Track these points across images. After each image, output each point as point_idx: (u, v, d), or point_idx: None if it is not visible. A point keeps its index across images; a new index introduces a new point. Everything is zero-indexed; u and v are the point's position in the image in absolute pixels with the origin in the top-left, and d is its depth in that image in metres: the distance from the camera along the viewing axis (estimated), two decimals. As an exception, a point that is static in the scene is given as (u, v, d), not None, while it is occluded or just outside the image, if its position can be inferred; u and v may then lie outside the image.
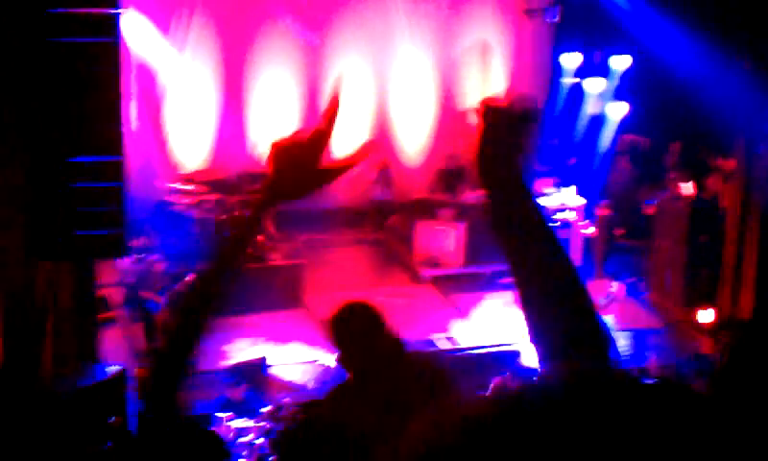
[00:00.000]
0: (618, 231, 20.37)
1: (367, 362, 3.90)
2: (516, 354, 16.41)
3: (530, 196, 2.57)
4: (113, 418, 12.93)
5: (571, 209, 20.72)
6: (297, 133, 3.05)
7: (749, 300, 17.70)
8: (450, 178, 21.83)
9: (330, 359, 16.60)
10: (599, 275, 18.86)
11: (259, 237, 19.26)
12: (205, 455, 4.08)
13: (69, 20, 10.29)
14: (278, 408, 14.48)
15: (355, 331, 3.98)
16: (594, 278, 18.73)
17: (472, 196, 21.26)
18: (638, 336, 18.07)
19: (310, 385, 16.16)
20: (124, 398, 14.09)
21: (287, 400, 15.18)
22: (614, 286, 17.17)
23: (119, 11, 10.33)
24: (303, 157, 3.07)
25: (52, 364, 13.35)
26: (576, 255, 20.62)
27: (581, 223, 20.66)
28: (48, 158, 10.44)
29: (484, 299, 19.42)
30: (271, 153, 3.02)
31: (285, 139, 3.03)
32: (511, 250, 2.50)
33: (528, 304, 2.47)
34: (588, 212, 20.83)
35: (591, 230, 20.28)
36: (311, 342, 17.33)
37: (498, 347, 16.88)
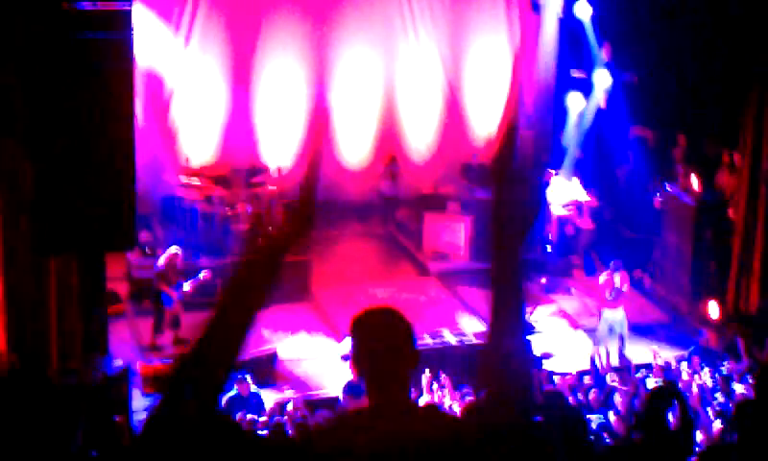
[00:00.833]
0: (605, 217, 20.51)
1: (382, 370, 3.85)
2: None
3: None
4: (117, 417, 12.93)
5: (575, 202, 20.75)
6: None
7: (756, 292, 17.71)
8: (473, 173, 21.86)
9: (338, 354, 16.64)
10: (599, 267, 18.94)
11: (270, 230, 19.29)
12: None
13: (82, 16, 10.32)
14: (284, 404, 14.53)
15: (380, 337, 3.91)
16: (596, 271, 18.74)
17: (483, 191, 21.29)
18: (645, 330, 18.08)
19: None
20: (128, 394, 14.12)
21: (293, 394, 15.22)
22: (617, 279, 17.13)
23: (130, 6, 10.36)
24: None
25: (59, 357, 13.38)
26: (579, 248, 20.69)
27: (580, 216, 20.71)
28: (58, 153, 10.47)
29: (486, 287, 19.43)
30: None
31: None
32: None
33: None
34: (590, 205, 20.93)
35: (584, 220, 20.33)
36: (319, 335, 17.37)
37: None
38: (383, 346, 3.81)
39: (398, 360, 3.79)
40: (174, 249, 17.57)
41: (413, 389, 14.28)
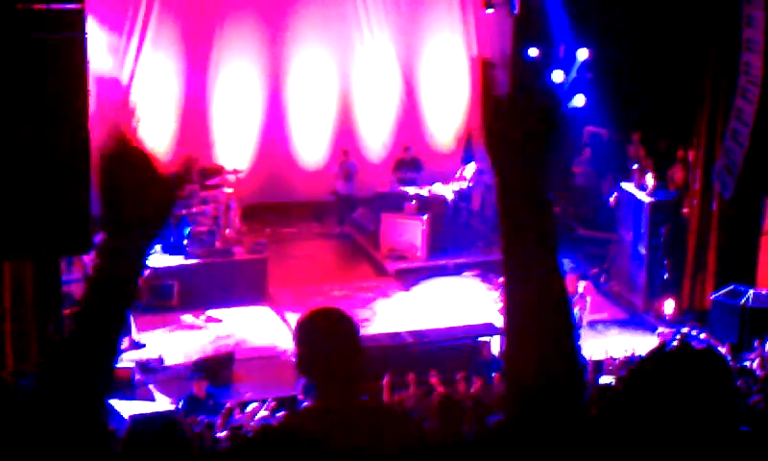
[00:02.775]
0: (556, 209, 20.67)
1: (328, 370, 3.85)
2: (481, 346, 16.46)
3: (546, 206, 2.60)
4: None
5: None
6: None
7: (711, 289, 17.84)
8: (406, 167, 21.93)
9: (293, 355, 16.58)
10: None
11: (227, 232, 19.29)
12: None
13: (36, 15, 10.24)
14: (242, 404, 14.47)
15: (322, 338, 3.90)
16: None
17: (435, 189, 21.31)
18: (600, 328, 18.13)
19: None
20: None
21: (250, 395, 15.16)
22: (581, 286, 17.23)
23: (83, 5, 10.29)
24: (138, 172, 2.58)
25: (15, 360, 13.28)
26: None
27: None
28: (12, 154, 10.38)
29: (444, 286, 19.57)
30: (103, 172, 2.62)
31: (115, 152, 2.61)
32: (510, 246, 2.53)
33: (512, 309, 2.50)
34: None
35: None
36: (275, 336, 17.33)
37: (464, 339, 16.90)
38: (326, 347, 3.80)
39: (343, 360, 3.79)
40: None
41: (376, 390, 14.23)
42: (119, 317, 2.62)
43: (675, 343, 15.11)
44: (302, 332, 3.91)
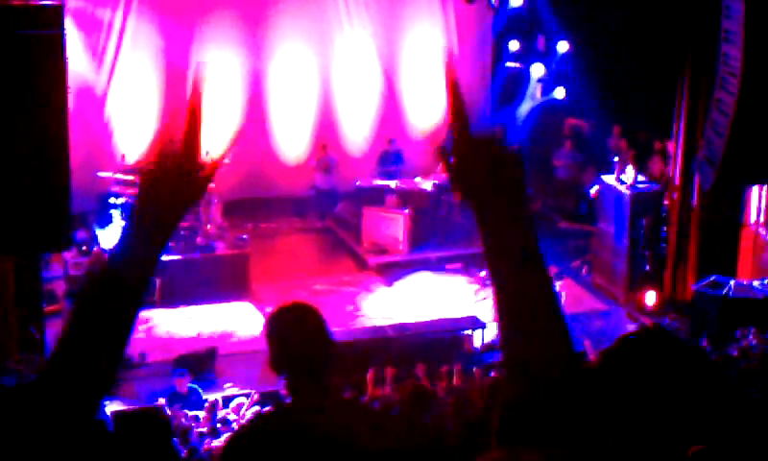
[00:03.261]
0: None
1: (296, 366, 3.83)
2: (464, 339, 16.48)
3: (529, 230, 2.63)
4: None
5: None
6: (163, 148, 2.94)
7: (691, 280, 17.88)
8: (390, 160, 21.94)
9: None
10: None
11: (208, 227, 19.26)
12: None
13: (14, 13, 10.20)
14: (224, 399, 14.48)
15: (290, 334, 3.89)
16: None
17: (416, 182, 21.32)
18: (582, 320, 18.16)
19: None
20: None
21: (233, 389, 15.17)
22: (557, 284, 17.28)
23: (62, 2, 10.25)
24: (180, 172, 2.94)
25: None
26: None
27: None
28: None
29: (426, 280, 19.59)
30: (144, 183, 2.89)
31: (155, 165, 2.91)
32: (495, 270, 2.60)
33: (504, 323, 2.61)
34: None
35: None
36: (257, 331, 17.30)
37: (447, 332, 16.92)
38: (293, 343, 3.79)
39: (310, 356, 3.77)
40: (97, 249, 17.57)
41: (358, 386, 14.20)
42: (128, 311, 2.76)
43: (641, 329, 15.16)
44: (269, 329, 3.91)
